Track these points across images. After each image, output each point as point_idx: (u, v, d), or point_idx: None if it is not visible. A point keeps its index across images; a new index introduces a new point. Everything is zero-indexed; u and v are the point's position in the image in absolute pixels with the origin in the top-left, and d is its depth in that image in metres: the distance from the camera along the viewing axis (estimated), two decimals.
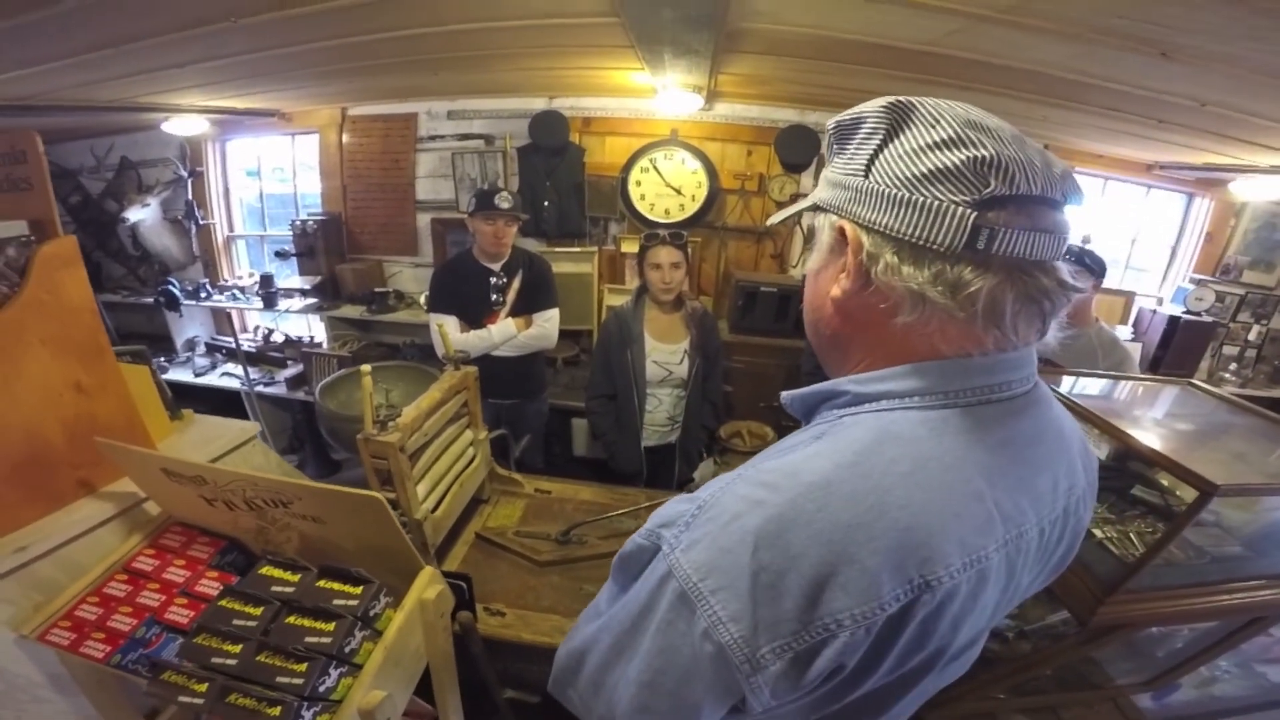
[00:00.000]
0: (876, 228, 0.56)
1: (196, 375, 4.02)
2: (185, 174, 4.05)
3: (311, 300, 3.95)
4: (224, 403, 3.86)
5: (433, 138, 3.79)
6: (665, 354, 2.40)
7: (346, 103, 3.81)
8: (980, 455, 0.55)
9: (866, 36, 1.99)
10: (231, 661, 0.85)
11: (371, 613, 0.93)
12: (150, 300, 4.00)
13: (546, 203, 3.64)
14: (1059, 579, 0.74)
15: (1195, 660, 1.68)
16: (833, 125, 0.63)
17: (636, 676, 0.55)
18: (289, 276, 4.14)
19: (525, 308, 2.65)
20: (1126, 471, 1.60)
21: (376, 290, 3.86)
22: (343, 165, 3.96)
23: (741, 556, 0.50)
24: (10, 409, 1.04)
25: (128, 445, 1.08)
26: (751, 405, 3.31)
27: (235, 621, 0.89)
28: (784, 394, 0.72)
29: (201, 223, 4.21)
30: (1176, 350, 3.54)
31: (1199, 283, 3.67)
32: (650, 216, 3.58)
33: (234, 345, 3.95)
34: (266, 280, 4.00)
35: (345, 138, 3.90)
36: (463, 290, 2.59)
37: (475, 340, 2.52)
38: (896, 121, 0.56)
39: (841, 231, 0.60)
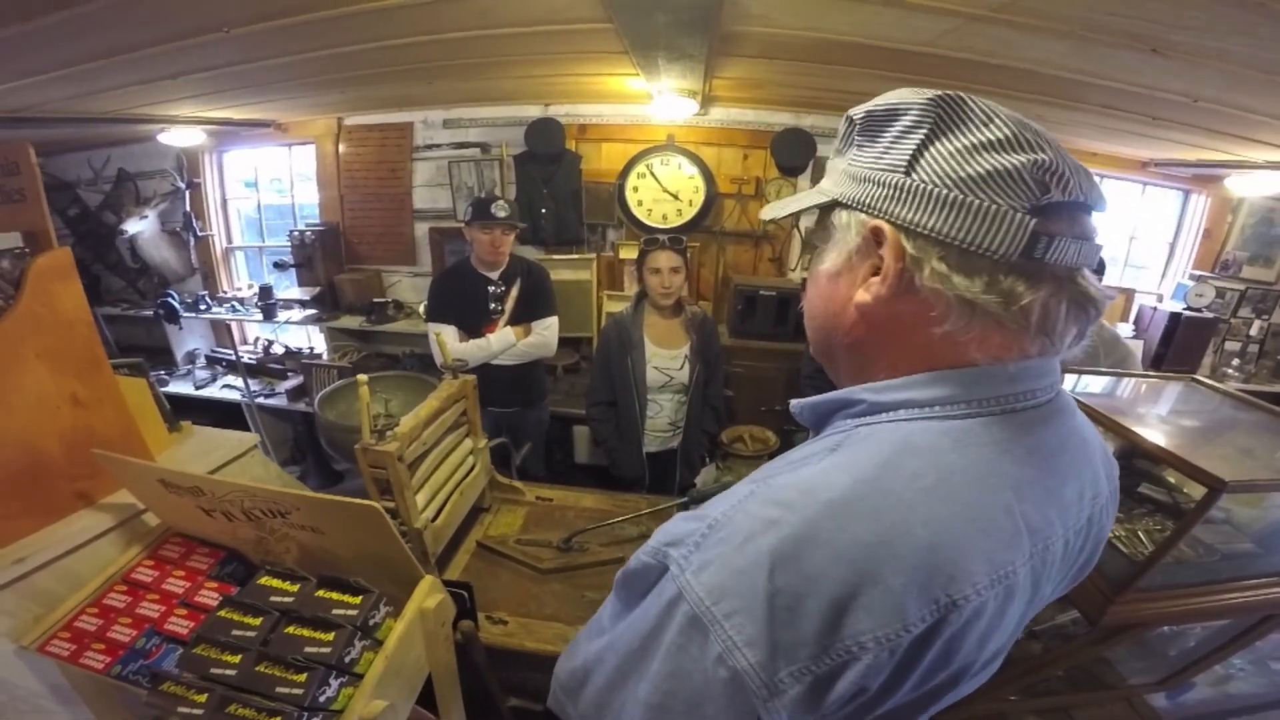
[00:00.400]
0: (923, 230, 0.52)
1: (197, 388, 4.01)
2: (183, 185, 4.04)
3: (311, 311, 3.94)
4: (225, 415, 3.85)
5: (429, 147, 3.79)
6: (665, 359, 2.39)
7: (342, 113, 3.81)
8: (1008, 466, 0.53)
9: (860, 38, 1.99)
10: (231, 672, 0.84)
11: (371, 622, 0.92)
12: (150, 313, 3.98)
13: (544, 210, 3.64)
14: None
15: (1208, 659, 1.66)
16: (861, 115, 0.59)
17: (645, 699, 0.52)
18: (288, 288, 4.14)
19: (524, 316, 2.65)
20: (1133, 469, 1.59)
21: (375, 300, 3.86)
22: (339, 175, 3.96)
23: (757, 579, 0.47)
24: (6, 422, 1.03)
25: (125, 457, 1.07)
26: (753, 409, 3.30)
27: (234, 632, 0.88)
28: (794, 402, 0.69)
29: (200, 234, 4.20)
30: (1178, 347, 3.53)
31: (1199, 279, 3.67)
32: (648, 222, 3.59)
33: (234, 357, 3.94)
34: (265, 292, 3.99)
35: (342, 148, 3.91)
36: (461, 299, 2.59)
37: (474, 349, 2.51)
38: (945, 116, 0.53)
39: (875, 232, 0.55)
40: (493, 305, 2.60)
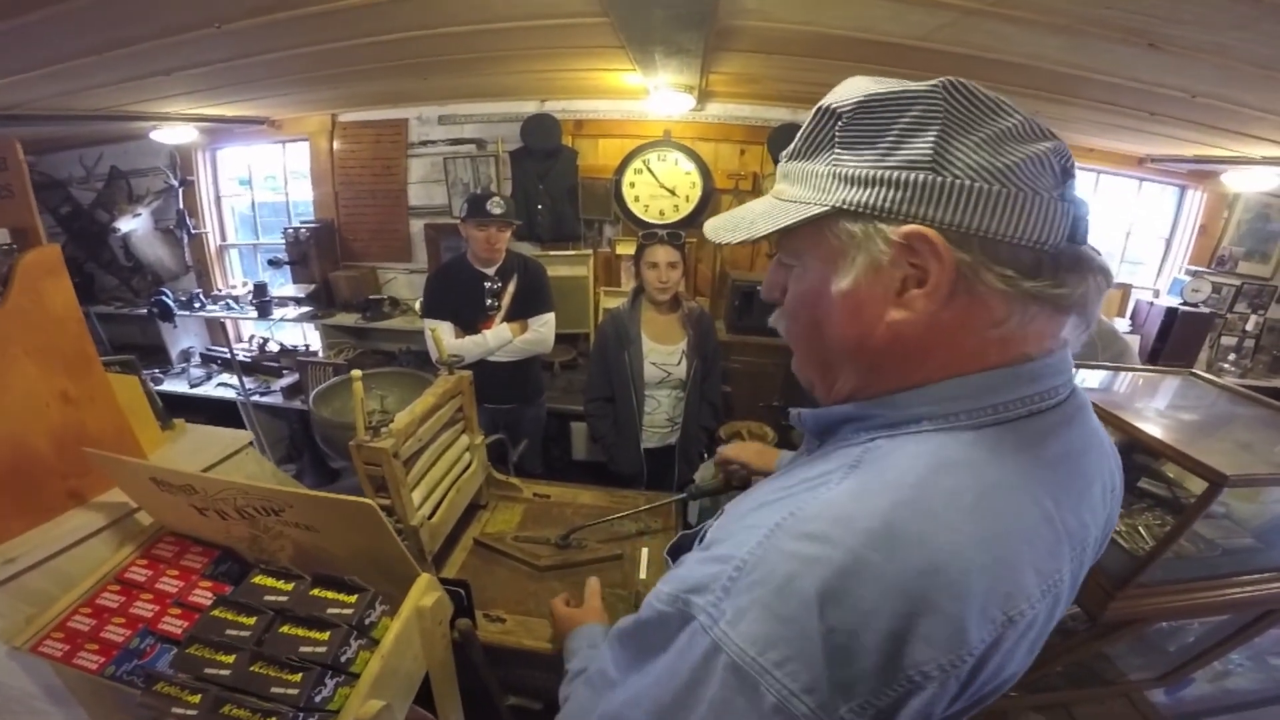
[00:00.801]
0: (971, 230, 0.49)
1: (192, 386, 3.98)
2: (176, 183, 4.02)
3: (306, 309, 3.92)
4: (221, 413, 3.83)
5: (424, 143, 3.78)
6: (663, 355, 2.39)
7: (336, 109, 3.79)
8: (1043, 473, 0.52)
9: (856, 32, 1.99)
10: (225, 672, 0.83)
11: (367, 621, 0.91)
12: (144, 311, 3.96)
13: (540, 206, 3.62)
14: None
15: (1208, 654, 1.66)
16: (850, 107, 0.53)
17: None
18: (283, 285, 4.12)
19: (520, 312, 2.64)
20: (1133, 464, 1.58)
21: (371, 297, 3.84)
22: (334, 172, 3.94)
23: (807, 623, 0.44)
24: None
25: (117, 455, 1.06)
26: (750, 405, 3.30)
27: (228, 631, 0.87)
28: (795, 411, 0.66)
29: (194, 232, 4.19)
30: (1175, 342, 3.55)
31: (1195, 274, 3.68)
32: (645, 218, 3.58)
33: (229, 355, 3.91)
34: (260, 289, 3.98)
35: (336, 144, 3.89)
36: (457, 295, 2.58)
37: (470, 345, 2.50)
38: (959, 105, 0.49)
39: (914, 239, 0.50)
40: (489, 301, 2.59)
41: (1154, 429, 1.32)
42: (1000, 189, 0.48)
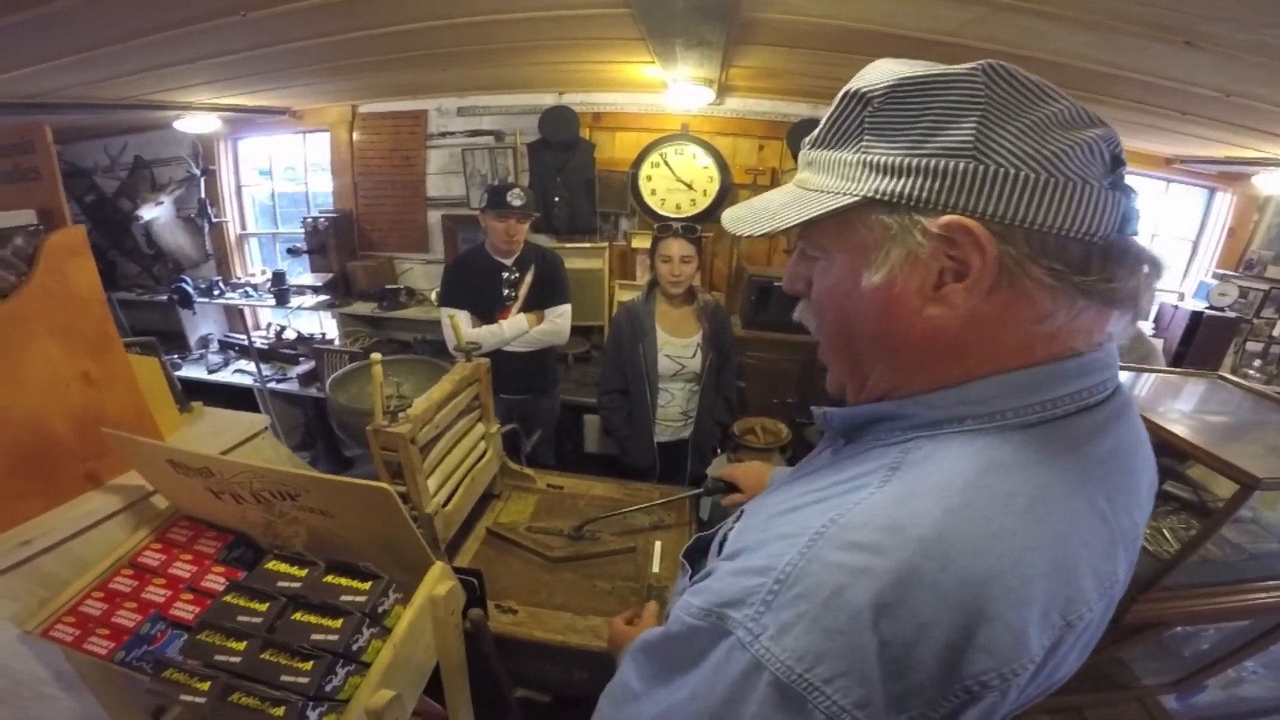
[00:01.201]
0: (1016, 221, 0.46)
1: (210, 372, 4.03)
2: (198, 172, 4.06)
3: (323, 297, 3.96)
4: (237, 399, 3.86)
5: (443, 134, 3.78)
6: (677, 348, 2.37)
7: (357, 100, 3.80)
8: (1097, 470, 0.50)
9: (881, 27, 1.95)
10: (235, 659, 0.82)
11: (380, 609, 0.91)
12: (164, 298, 4.02)
13: (557, 198, 3.61)
14: None
15: (1225, 660, 1.64)
16: (881, 92, 0.49)
17: None
18: (301, 274, 4.16)
19: (537, 303, 2.63)
20: (1158, 467, 1.56)
21: (387, 287, 3.87)
22: (353, 162, 3.96)
23: (858, 636, 0.42)
24: (17, 400, 1.03)
25: (135, 436, 1.06)
26: (765, 401, 3.27)
27: (240, 618, 0.87)
28: (820, 410, 0.64)
29: (214, 221, 4.23)
30: (1199, 346, 3.48)
31: (1222, 278, 3.60)
32: (661, 212, 3.55)
33: (247, 342, 3.96)
34: (278, 277, 4.02)
35: (356, 135, 3.90)
36: (475, 285, 2.58)
37: (487, 335, 2.51)
38: (1001, 90, 0.46)
39: (955, 230, 0.47)
40: (506, 291, 2.59)
41: (1182, 430, 1.29)
42: (1047, 177, 0.45)
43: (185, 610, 0.99)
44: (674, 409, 2.47)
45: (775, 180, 3.53)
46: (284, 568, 0.95)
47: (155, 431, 1.28)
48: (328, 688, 0.81)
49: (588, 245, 3.71)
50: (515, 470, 1.81)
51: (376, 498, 0.92)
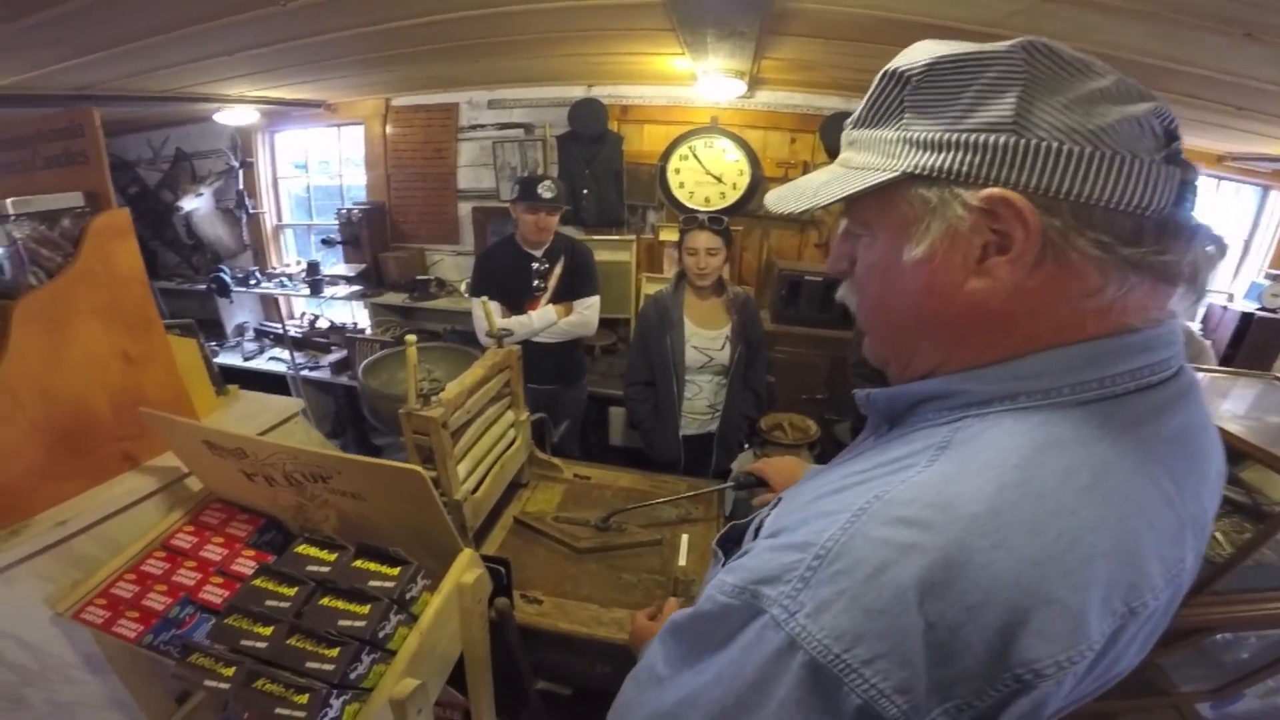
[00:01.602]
0: (1064, 195, 0.44)
1: (245, 359, 4.12)
2: (236, 165, 4.16)
3: (356, 287, 4.02)
4: (271, 386, 3.89)
5: (474, 127, 3.80)
6: (706, 340, 2.35)
7: (390, 93, 3.84)
8: (1161, 450, 0.47)
9: (922, 17, 1.90)
10: (261, 645, 0.82)
11: (408, 595, 0.90)
12: (203, 287, 4.12)
13: (585, 191, 3.61)
14: None
15: (1267, 669, 1.57)
16: (920, 70, 0.49)
17: None
18: (334, 264, 4.24)
19: (566, 294, 2.63)
20: None
21: (418, 278, 3.91)
22: (386, 155, 4.01)
23: (902, 616, 0.40)
24: (59, 378, 1.05)
25: (171, 416, 1.08)
26: (794, 397, 3.24)
27: (268, 602, 0.87)
28: (864, 392, 0.62)
29: (251, 212, 4.33)
30: (1250, 348, 3.33)
31: (1275, 279, 3.44)
32: (690, 205, 3.53)
33: (281, 330, 4.04)
34: (313, 268, 4.10)
35: (389, 128, 3.95)
36: (505, 275, 2.59)
37: (516, 325, 2.51)
38: (1041, 65, 0.45)
39: (997, 203, 0.46)
40: (536, 282, 2.59)
41: (1239, 430, 1.23)
42: (1093, 150, 0.44)
43: (214, 594, 0.99)
44: (701, 401, 2.45)
45: (807, 173, 3.46)
46: (314, 551, 0.95)
47: (192, 412, 1.30)
48: (352, 675, 0.80)
49: (615, 238, 3.69)
50: (543, 460, 1.81)
51: (408, 480, 0.92)
